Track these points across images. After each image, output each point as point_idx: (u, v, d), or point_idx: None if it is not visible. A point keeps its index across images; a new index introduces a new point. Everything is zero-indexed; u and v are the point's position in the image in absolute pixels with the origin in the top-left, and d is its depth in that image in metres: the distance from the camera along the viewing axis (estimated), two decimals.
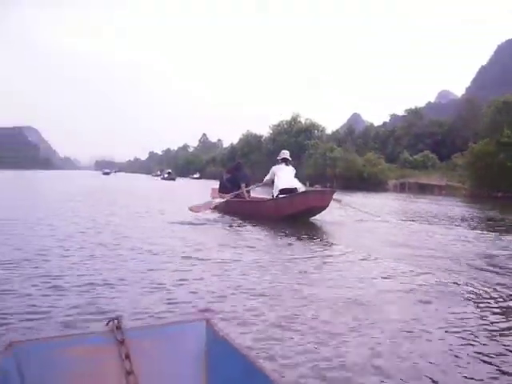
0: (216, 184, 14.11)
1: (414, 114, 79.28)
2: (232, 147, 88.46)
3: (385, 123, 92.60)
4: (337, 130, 77.76)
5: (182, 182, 53.11)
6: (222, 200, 11.64)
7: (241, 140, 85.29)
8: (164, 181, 58.56)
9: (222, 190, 12.60)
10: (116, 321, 1.55)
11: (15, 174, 57.33)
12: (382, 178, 52.05)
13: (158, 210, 11.25)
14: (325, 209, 10.19)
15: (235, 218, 10.26)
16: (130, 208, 11.92)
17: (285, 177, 10.58)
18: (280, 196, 10.39)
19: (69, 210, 10.39)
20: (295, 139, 63.49)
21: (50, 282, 3.86)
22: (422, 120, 73.32)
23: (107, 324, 1.57)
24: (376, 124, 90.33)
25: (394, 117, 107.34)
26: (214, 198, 12.35)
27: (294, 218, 9.70)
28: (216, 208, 11.74)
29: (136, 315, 3.10)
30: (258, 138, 79.11)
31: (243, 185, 11.98)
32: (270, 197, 11.18)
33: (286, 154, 11.17)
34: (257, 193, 13.47)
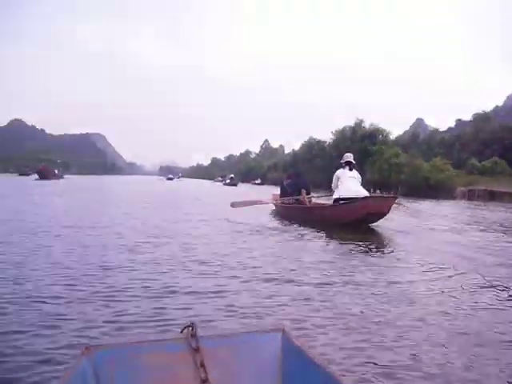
0: (277, 190, 14.37)
1: (482, 118, 76.75)
2: (294, 153, 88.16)
3: (450, 128, 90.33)
4: (400, 136, 75.75)
5: (243, 188, 53.78)
6: (274, 203, 12.44)
7: (303, 146, 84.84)
8: (226, 186, 59.37)
9: (283, 195, 12.80)
10: (191, 328, 1.57)
11: (85, 179, 61.19)
12: (449, 185, 50.23)
13: (223, 217, 11.23)
14: (385, 215, 10.08)
15: (295, 224, 10.37)
16: (194, 215, 12.12)
17: (348, 183, 10.46)
18: (340, 202, 10.32)
19: (137, 216, 11.11)
20: (359, 144, 62.32)
21: (123, 289, 4.01)
22: (490, 125, 70.23)
23: (182, 331, 1.59)
24: (441, 130, 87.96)
25: (459, 122, 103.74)
26: (272, 199, 12.98)
27: (353, 224, 9.61)
28: (273, 211, 12.36)
29: (210, 323, 3.15)
30: (320, 143, 78.37)
31: (303, 191, 12.14)
32: (330, 203, 11.10)
33: (349, 157, 11.03)
34: (319, 199, 13.53)
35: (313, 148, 78.57)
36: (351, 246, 7.21)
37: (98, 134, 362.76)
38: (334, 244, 7.68)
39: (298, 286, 4.42)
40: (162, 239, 7.21)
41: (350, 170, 10.80)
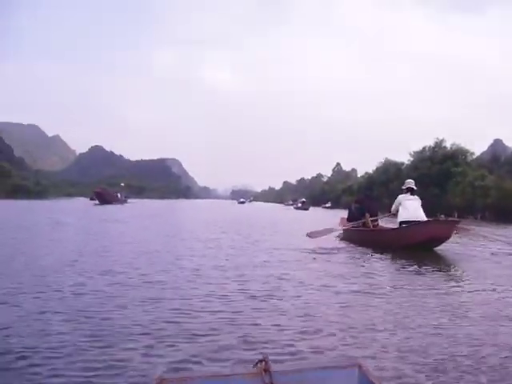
0: (345, 213, 14.35)
1: None
2: (369, 176, 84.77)
3: None
4: (478, 157, 70.52)
5: (314, 212, 53.55)
6: (342, 228, 12.73)
7: (378, 168, 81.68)
8: (297, 210, 58.80)
9: (350, 219, 13.15)
10: (264, 362, 1.54)
11: (156, 203, 60.66)
12: None
13: (296, 246, 10.81)
14: (447, 239, 10.23)
15: (359, 248, 10.69)
16: (262, 243, 11.94)
17: (410, 208, 10.85)
18: (403, 226, 10.71)
19: (210, 244, 10.80)
20: (440, 166, 58.41)
21: (194, 320, 4.06)
22: None
23: (255, 365, 1.56)
24: None
25: None
26: (339, 225, 13.07)
27: (415, 248, 9.69)
28: (339, 235, 12.73)
29: (282, 355, 3.07)
30: (397, 165, 74.93)
31: (367, 214, 12.37)
32: (394, 226, 11.63)
33: (411, 183, 11.47)
34: (385, 223, 13.86)
35: (388, 170, 74.91)
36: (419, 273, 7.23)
37: (173, 158, 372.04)
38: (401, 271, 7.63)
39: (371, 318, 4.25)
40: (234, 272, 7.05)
41: (412, 195, 11.27)
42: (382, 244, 10.53)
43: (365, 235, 11.93)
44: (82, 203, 42.74)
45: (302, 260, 8.40)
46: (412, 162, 68.76)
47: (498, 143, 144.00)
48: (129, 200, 59.54)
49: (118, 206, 41.89)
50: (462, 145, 60.82)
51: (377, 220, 12.80)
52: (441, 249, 10.34)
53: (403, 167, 72.75)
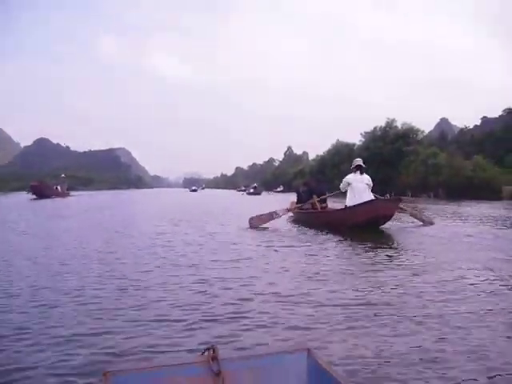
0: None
1: None
2: (321, 158, 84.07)
3: (476, 126, 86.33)
4: (426, 136, 70.70)
5: (267, 197, 51.24)
6: (287, 212, 12.26)
7: (330, 150, 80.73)
8: (249, 196, 57.63)
9: (298, 201, 13.31)
10: (212, 350, 1.53)
11: (103, 194, 57.70)
12: (494, 185, 45.56)
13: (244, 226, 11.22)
14: (391, 217, 10.49)
15: (308, 229, 10.70)
16: (214, 226, 11.74)
17: (358, 190, 10.81)
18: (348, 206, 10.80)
19: (160, 240, 9.06)
20: (392, 146, 57.96)
21: (143, 310, 3.90)
22: None
23: (202, 353, 1.55)
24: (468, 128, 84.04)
25: (485, 119, 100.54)
26: (287, 209, 12.44)
27: (362, 227, 9.82)
28: (289, 218, 12.69)
29: (229, 344, 3.01)
30: (349, 146, 74.29)
31: (315, 196, 12.38)
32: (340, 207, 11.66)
33: (359, 161, 11.40)
34: (334, 204, 13.86)
35: (340, 152, 74.35)
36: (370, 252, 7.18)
37: (123, 148, 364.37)
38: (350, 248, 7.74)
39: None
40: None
41: (361, 173, 11.12)
42: (330, 225, 10.67)
43: (313, 217, 12.06)
44: (21, 198, 38.41)
45: (250, 243, 8.30)
46: (364, 142, 68.39)
47: (444, 122, 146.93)
48: (72, 193, 53.81)
49: (58, 199, 37.46)
50: (413, 124, 60.76)
51: (325, 201, 12.92)
52: (385, 227, 10.62)
53: (355, 148, 72.19)
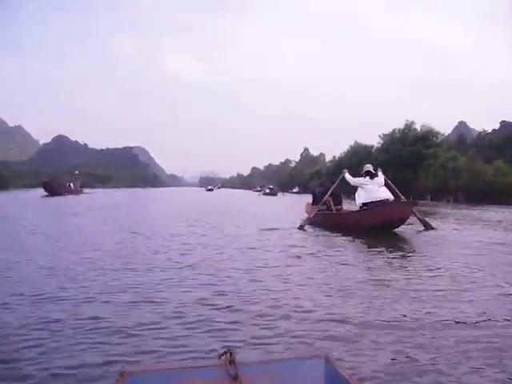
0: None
1: None
2: (339, 159, 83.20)
3: (495, 130, 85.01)
4: (444, 139, 69.72)
5: (282, 198, 51.54)
6: (309, 214, 12.23)
7: (348, 151, 79.91)
8: (265, 196, 57.51)
9: (314, 202, 13.21)
10: (229, 354, 1.51)
11: (120, 192, 57.38)
12: None
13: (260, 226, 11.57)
14: (405, 221, 10.50)
15: (324, 231, 10.82)
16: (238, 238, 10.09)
17: (369, 190, 10.85)
18: (363, 208, 10.87)
19: (177, 243, 8.65)
20: (411, 148, 57.01)
21: (160, 312, 3.84)
22: None
23: (220, 357, 1.54)
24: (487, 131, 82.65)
25: (504, 123, 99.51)
26: (307, 211, 13.00)
27: (377, 230, 9.78)
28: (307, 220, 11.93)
29: (247, 346, 3.01)
30: (367, 148, 73.42)
31: (329, 198, 12.29)
32: (356, 209, 11.65)
33: (369, 167, 11.52)
34: (350, 206, 13.78)
35: (358, 154, 73.45)
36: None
37: (140, 147, 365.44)
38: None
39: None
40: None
41: (371, 178, 11.15)
42: (346, 227, 10.69)
43: (329, 219, 12.18)
44: (33, 195, 37.67)
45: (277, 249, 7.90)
46: (382, 144, 67.52)
47: (462, 125, 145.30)
48: (87, 190, 52.15)
49: (70, 197, 36.40)
50: (435, 125, 59.69)
51: (340, 203, 12.89)
52: (399, 230, 10.66)
53: (373, 150, 71.37)
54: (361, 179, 11.34)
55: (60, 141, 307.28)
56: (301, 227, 11.34)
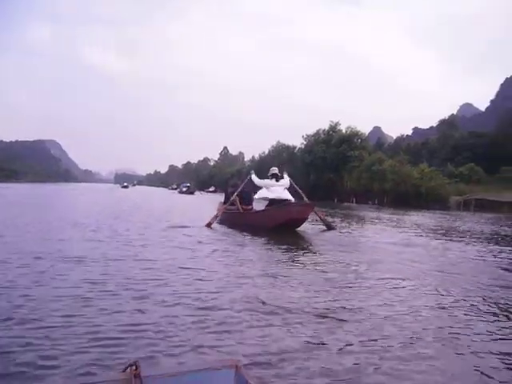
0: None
1: (449, 125, 73.91)
2: (261, 159, 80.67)
3: (408, 136, 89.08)
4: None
5: (199, 196, 49.05)
6: (216, 217, 11.93)
7: (270, 151, 77.35)
8: (182, 194, 54.16)
9: (226, 201, 13.22)
10: (134, 367, 1.40)
11: (25, 189, 50.01)
12: (441, 194, 43.45)
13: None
14: (305, 221, 11.00)
15: (231, 229, 10.74)
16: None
17: (274, 190, 11.37)
18: (267, 208, 11.50)
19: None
20: (336, 149, 54.89)
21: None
22: (457, 132, 67.56)
23: (124, 370, 1.42)
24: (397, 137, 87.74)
25: (417, 130, 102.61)
26: (218, 209, 12.68)
27: (280, 229, 10.09)
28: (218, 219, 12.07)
29: (153, 358, 2.68)
30: (290, 149, 71.04)
31: (236, 197, 12.27)
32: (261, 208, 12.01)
33: (275, 169, 12.02)
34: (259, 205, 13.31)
35: (281, 154, 71.02)
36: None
37: (53, 140, 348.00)
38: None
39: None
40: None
41: (277, 181, 11.62)
42: (252, 225, 10.91)
43: (236, 217, 12.29)
44: None
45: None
46: (306, 145, 64.95)
47: (377, 130, 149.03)
48: None
49: None
50: (358, 128, 58.18)
51: (251, 203, 12.73)
52: (301, 229, 10.92)
53: (296, 151, 69.08)
54: (266, 180, 11.81)
55: None
56: (208, 225, 11.29)
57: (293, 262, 6.32)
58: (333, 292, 4.42)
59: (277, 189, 11.44)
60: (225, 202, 13.38)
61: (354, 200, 46.84)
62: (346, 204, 41.94)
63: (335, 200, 48.27)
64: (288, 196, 11.42)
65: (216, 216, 11.98)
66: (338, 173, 53.99)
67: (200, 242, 7.96)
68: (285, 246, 7.90)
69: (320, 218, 12.46)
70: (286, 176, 12.05)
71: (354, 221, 17.05)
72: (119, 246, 6.95)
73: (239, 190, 12.68)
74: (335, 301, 4.09)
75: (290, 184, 11.91)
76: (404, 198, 42.84)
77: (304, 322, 3.38)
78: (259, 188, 12.47)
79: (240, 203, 12.40)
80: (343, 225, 14.08)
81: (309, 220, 11.69)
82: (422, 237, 11.45)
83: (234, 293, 4.25)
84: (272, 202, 11.33)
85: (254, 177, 12.46)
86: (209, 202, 23.15)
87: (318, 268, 5.80)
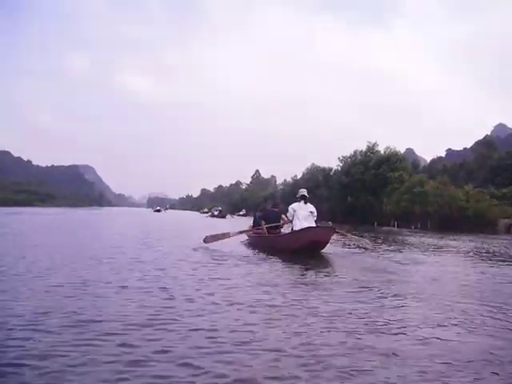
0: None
1: (485, 145, 72.42)
2: (295, 182, 79.57)
3: (441, 158, 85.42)
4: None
5: (231, 220, 48.16)
6: (239, 234, 12.86)
7: (305, 174, 76.03)
8: (214, 218, 53.52)
9: (254, 225, 13.92)
10: None
11: (66, 211, 50.28)
12: (489, 217, 40.88)
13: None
14: (327, 243, 11.10)
15: (256, 251, 11.23)
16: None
17: (302, 217, 11.49)
18: (289, 232, 11.78)
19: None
20: (375, 171, 52.91)
21: None
22: (496, 152, 65.38)
23: None
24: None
25: (450, 151, 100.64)
26: (240, 231, 13.14)
27: (303, 252, 10.28)
28: (244, 241, 13.47)
29: None
30: (326, 171, 69.36)
31: (262, 222, 12.85)
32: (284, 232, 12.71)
33: (304, 191, 12.19)
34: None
35: (315, 176, 69.43)
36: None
37: (87, 165, 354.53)
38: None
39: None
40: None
41: (305, 203, 11.88)
42: (276, 248, 11.19)
43: (262, 241, 12.66)
44: None
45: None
46: (342, 167, 63.38)
47: (410, 152, 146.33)
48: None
49: None
50: (397, 149, 56.23)
51: (278, 227, 13.07)
52: (326, 251, 11.08)
53: (332, 173, 67.47)
54: (294, 205, 11.88)
55: (1, 156, 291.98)
56: (228, 235, 12.17)
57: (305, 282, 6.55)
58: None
59: (303, 214, 11.61)
60: (253, 226, 14.02)
61: (396, 224, 44.63)
62: (385, 228, 39.97)
63: (375, 224, 46.06)
64: (312, 223, 11.56)
65: (240, 232, 13.10)
66: (377, 195, 52.00)
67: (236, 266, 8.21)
68: (302, 266, 8.43)
69: (346, 235, 13.61)
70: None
71: (405, 247, 15.47)
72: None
73: (264, 213, 13.58)
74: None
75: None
76: (449, 221, 40.51)
77: None
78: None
79: (266, 227, 12.77)
80: (393, 255, 12.41)
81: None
82: (481, 265, 10.60)
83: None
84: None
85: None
86: (240, 226, 22.44)
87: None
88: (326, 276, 7.24)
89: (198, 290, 5.55)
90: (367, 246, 12.94)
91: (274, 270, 7.93)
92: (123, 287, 5.62)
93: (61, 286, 5.56)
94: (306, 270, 8.00)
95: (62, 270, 6.92)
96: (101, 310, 4.39)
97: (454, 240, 21.72)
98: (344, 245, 13.62)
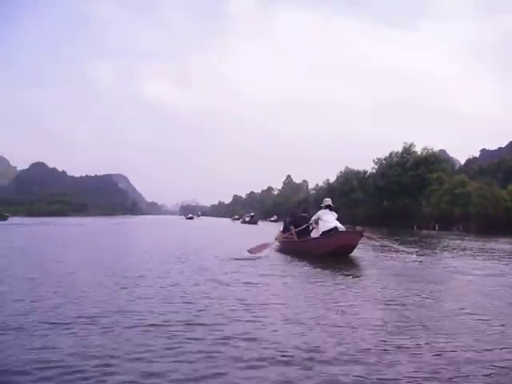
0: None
1: None
2: (329, 186, 78.13)
3: (475, 158, 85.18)
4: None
5: (261, 227, 46.27)
6: (276, 243, 13.52)
7: (339, 178, 74.79)
8: (245, 224, 53.52)
9: (284, 231, 14.04)
10: None
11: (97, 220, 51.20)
12: None
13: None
14: (355, 247, 11.38)
15: (286, 256, 11.76)
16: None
17: (327, 219, 11.93)
18: (318, 237, 12.00)
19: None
20: (412, 173, 51.17)
21: None
22: None
23: None
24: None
25: (484, 151, 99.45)
26: (277, 238, 13.77)
27: (331, 255, 10.61)
28: (275, 247, 13.42)
29: None
30: (360, 174, 67.78)
31: (292, 227, 13.16)
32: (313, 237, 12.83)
33: (328, 201, 12.77)
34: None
35: (349, 180, 67.98)
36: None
37: (120, 174, 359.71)
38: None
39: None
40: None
41: (330, 211, 12.30)
42: (305, 252, 11.49)
43: (292, 246, 12.99)
44: None
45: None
46: (377, 169, 62.06)
47: (443, 153, 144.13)
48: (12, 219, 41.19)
49: None
50: (435, 150, 54.42)
51: (308, 232, 13.16)
52: (355, 255, 11.30)
53: (367, 175, 65.98)
54: (320, 212, 12.25)
55: (37, 167, 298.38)
56: (268, 244, 12.26)
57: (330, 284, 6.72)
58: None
59: (330, 217, 11.99)
60: (283, 231, 14.14)
61: (437, 226, 42.79)
62: (425, 231, 38.28)
63: (414, 227, 44.26)
64: (338, 225, 11.81)
65: (275, 239, 13.61)
66: (415, 197, 50.25)
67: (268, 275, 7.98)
68: (332, 270, 8.52)
69: (374, 239, 14.38)
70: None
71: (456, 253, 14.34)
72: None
73: (293, 218, 13.73)
74: None
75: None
76: (493, 223, 38.56)
77: None
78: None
79: (296, 232, 12.96)
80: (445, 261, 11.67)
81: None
82: None
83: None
84: (324, 233, 11.79)
85: (312, 219, 12.75)
86: (270, 231, 22.77)
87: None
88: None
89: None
90: (417, 259, 11.63)
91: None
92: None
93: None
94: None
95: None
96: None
97: (510, 243, 20.47)
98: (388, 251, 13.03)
